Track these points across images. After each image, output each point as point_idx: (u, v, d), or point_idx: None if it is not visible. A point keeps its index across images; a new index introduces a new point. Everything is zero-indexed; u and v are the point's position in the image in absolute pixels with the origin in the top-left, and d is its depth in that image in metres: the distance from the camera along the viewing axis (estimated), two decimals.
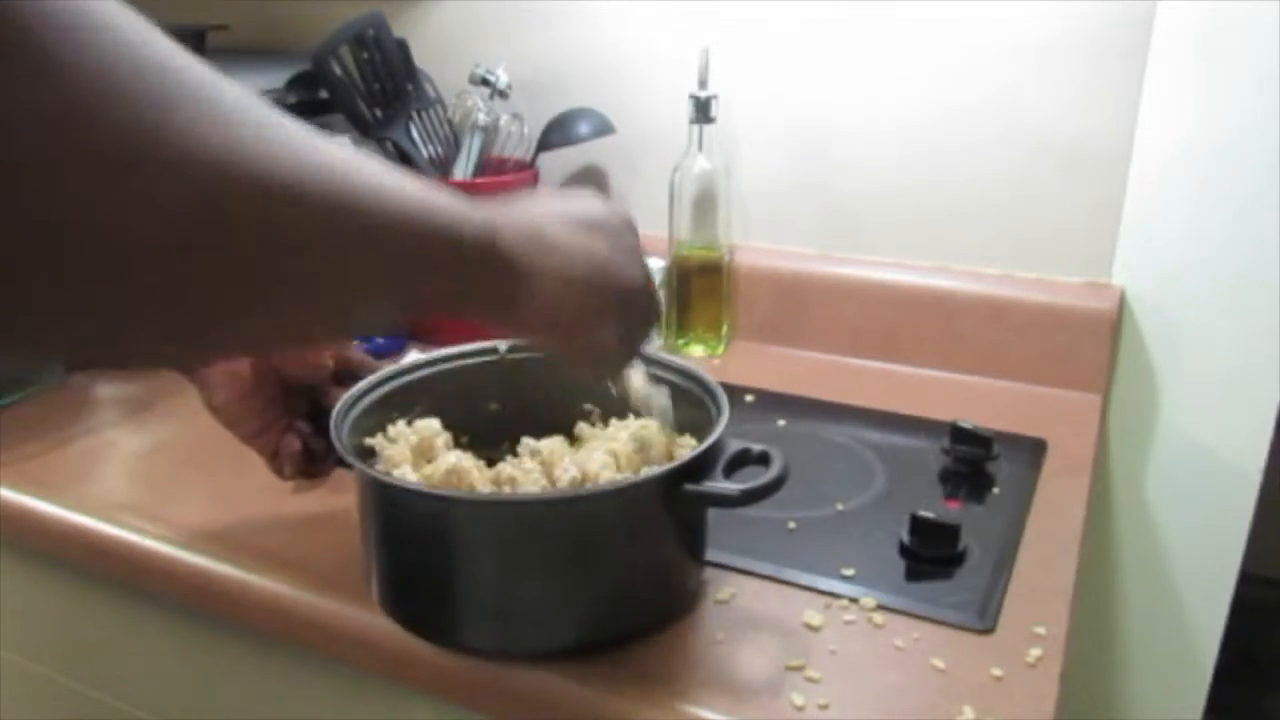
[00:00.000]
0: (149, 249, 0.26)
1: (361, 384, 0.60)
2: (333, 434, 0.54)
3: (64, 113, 0.23)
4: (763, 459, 0.53)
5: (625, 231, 0.48)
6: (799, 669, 0.52)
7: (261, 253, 0.29)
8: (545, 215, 0.45)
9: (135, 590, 0.69)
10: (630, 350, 0.53)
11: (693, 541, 0.58)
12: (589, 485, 0.55)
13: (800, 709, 0.50)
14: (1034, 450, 0.78)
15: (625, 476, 0.56)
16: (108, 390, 0.88)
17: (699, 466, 0.52)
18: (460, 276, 0.39)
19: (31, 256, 0.23)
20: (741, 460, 0.54)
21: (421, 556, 0.54)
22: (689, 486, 0.52)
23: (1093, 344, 0.88)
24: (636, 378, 0.58)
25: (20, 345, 0.26)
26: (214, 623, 0.67)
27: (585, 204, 0.48)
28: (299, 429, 0.62)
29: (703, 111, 0.92)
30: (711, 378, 0.61)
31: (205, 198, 0.26)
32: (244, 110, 0.29)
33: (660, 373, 0.63)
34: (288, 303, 0.32)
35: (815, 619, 0.56)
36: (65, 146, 0.23)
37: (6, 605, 0.80)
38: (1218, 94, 0.81)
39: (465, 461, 0.56)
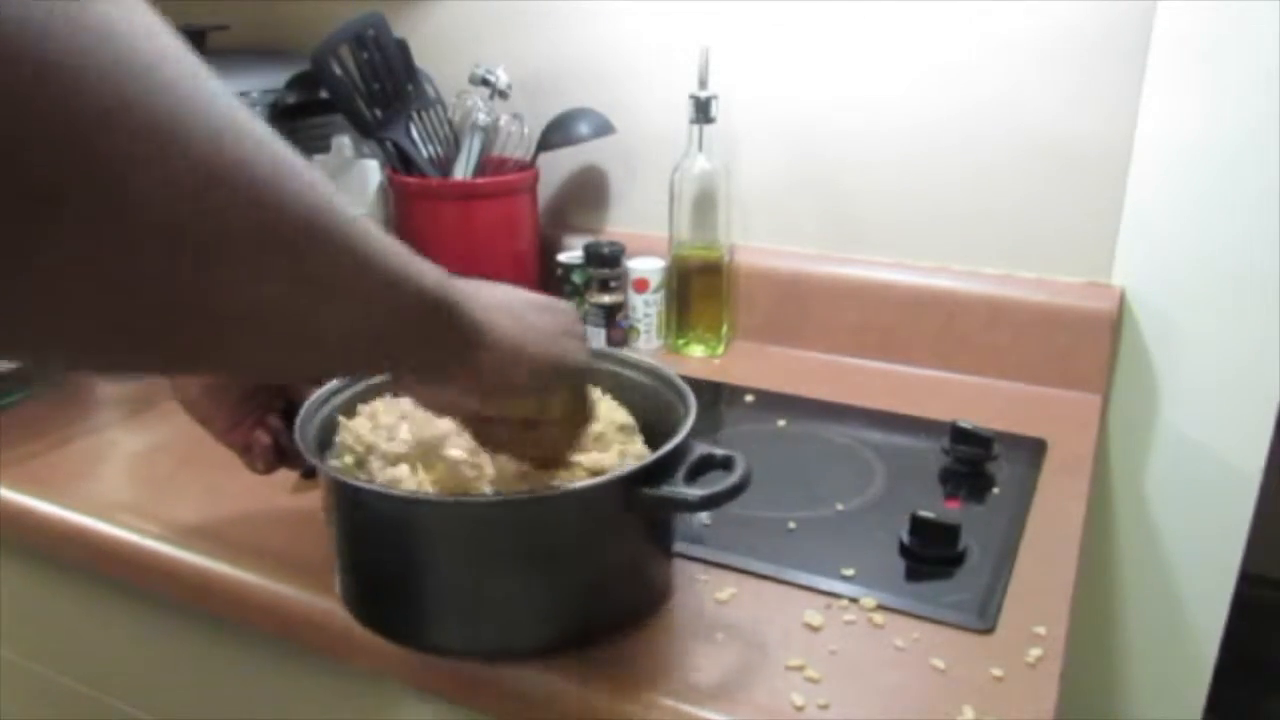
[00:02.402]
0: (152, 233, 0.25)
1: (331, 384, 0.60)
2: (296, 433, 0.54)
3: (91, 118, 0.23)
4: (726, 464, 0.53)
5: (572, 317, 0.49)
6: (799, 669, 0.52)
7: (252, 270, 0.29)
8: (500, 292, 0.46)
9: (134, 590, 0.69)
10: (574, 432, 0.53)
11: (658, 539, 0.57)
12: (548, 487, 0.54)
13: (800, 709, 0.50)
14: (1034, 450, 0.78)
15: (587, 479, 0.55)
16: (108, 390, 0.88)
17: (659, 470, 0.52)
18: (413, 322, 0.38)
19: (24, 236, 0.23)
20: (707, 465, 0.54)
21: (384, 557, 0.53)
22: (647, 490, 0.51)
23: (1093, 344, 0.88)
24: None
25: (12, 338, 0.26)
26: (213, 622, 0.67)
27: (533, 294, 0.49)
28: (270, 424, 0.62)
29: (703, 111, 0.92)
30: (681, 380, 0.60)
31: (205, 200, 0.26)
32: (259, 141, 0.29)
33: (630, 373, 0.63)
34: (256, 331, 0.31)
35: (815, 619, 0.56)
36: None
37: (6, 605, 0.80)
38: (1218, 94, 0.81)
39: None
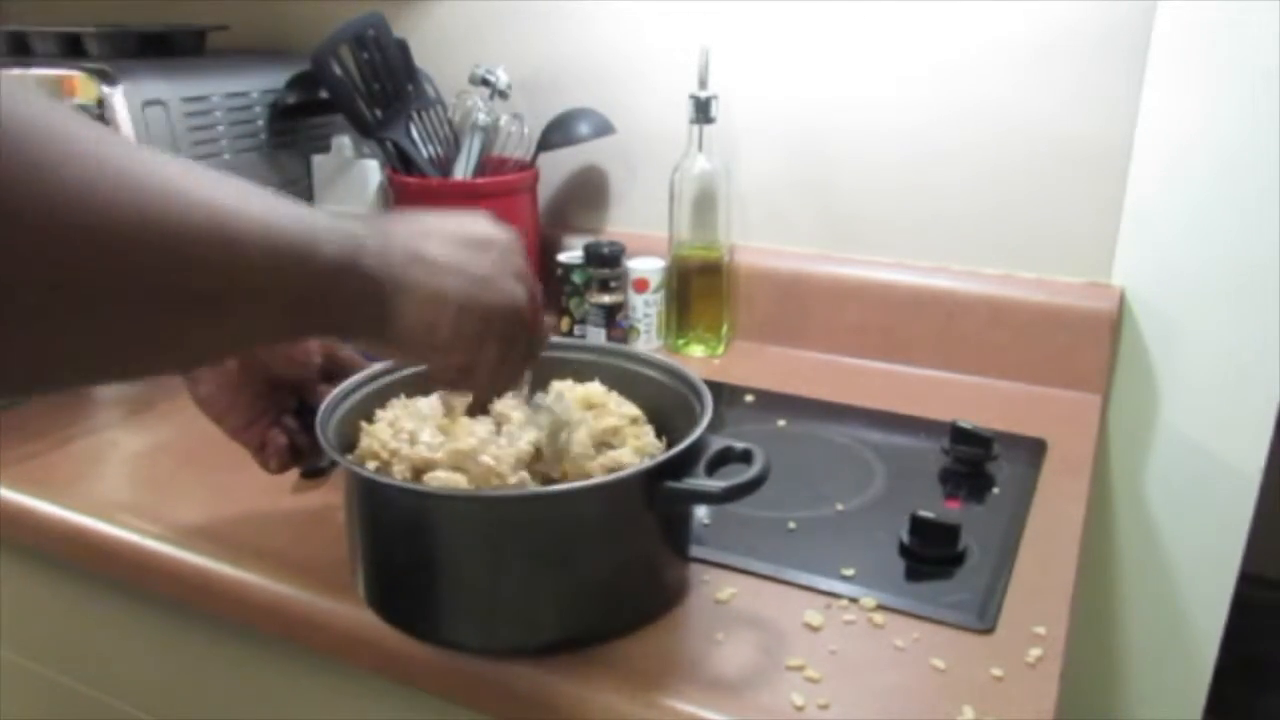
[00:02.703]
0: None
1: (349, 381, 0.60)
2: (318, 430, 0.54)
3: None
4: (745, 457, 0.53)
5: (510, 251, 0.47)
6: (799, 669, 0.52)
7: (90, 280, 0.30)
8: (423, 232, 0.44)
9: (135, 590, 0.69)
10: (511, 374, 0.51)
11: (676, 538, 0.58)
12: (570, 483, 0.55)
13: (800, 709, 0.50)
14: (1034, 450, 0.78)
15: (607, 474, 0.55)
16: (108, 390, 0.88)
17: (681, 463, 0.52)
18: (318, 294, 0.38)
19: None
20: (725, 458, 0.54)
21: (404, 552, 0.54)
22: (670, 484, 0.51)
23: (1093, 344, 0.88)
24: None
25: None
26: (214, 622, 0.67)
27: (469, 222, 0.47)
28: (285, 424, 0.62)
29: (703, 111, 0.92)
30: (696, 375, 0.61)
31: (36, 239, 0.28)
32: (85, 141, 0.29)
33: (641, 368, 0.63)
34: (117, 330, 0.32)
35: (815, 619, 0.56)
36: None
37: (6, 605, 0.80)
38: (1218, 93, 0.81)
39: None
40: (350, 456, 0.56)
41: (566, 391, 0.61)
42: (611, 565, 0.54)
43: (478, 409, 0.58)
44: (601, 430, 0.58)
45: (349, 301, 0.40)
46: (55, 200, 0.28)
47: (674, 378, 0.63)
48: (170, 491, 0.71)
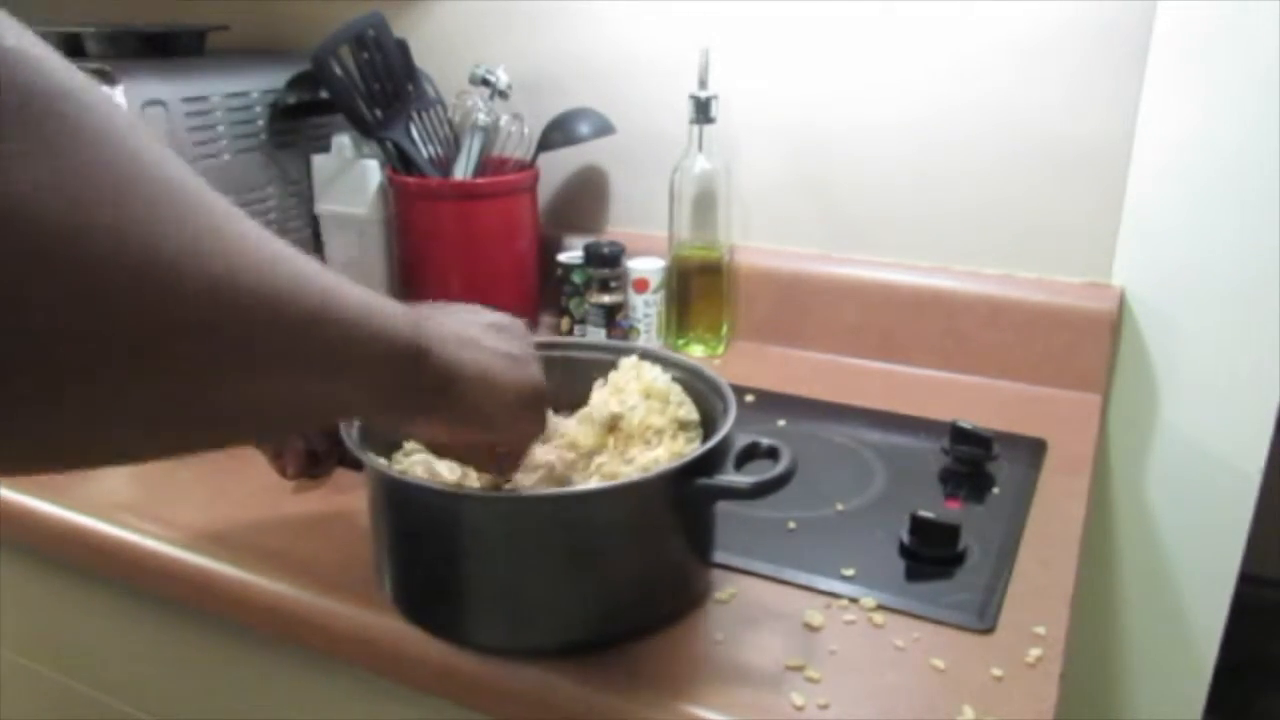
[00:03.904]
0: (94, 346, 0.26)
1: None
2: (343, 432, 0.55)
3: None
4: (771, 453, 0.54)
5: (524, 336, 0.51)
6: (799, 669, 0.52)
7: (194, 346, 0.29)
8: (462, 322, 0.47)
9: (135, 590, 0.69)
10: (526, 445, 0.55)
11: (701, 541, 0.58)
12: (601, 483, 0.56)
13: (800, 709, 0.50)
14: (1034, 450, 0.78)
15: (636, 474, 0.56)
16: None
17: (710, 461, 0.53)
18: (398, 375, 0.40)
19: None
20: (750, 454, 0.55)
21: (433, 553, 0.54)
22: (701, 480, 0.52)
23: (1093, 344, 0.88)
24: (614, 376, 0.61)
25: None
26: (214, 623, 0.67)
27: (483, 313, 0.51)
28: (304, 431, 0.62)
29: (703, 111, 0.92)
30: (717, 374, 0.62)
31: (150, 299, 0.27)
32: (211, 215, 0.29)
33: (667, 370, 0.64)
34: (215, 396, 0.32)
35: (815, 619, 0.56)
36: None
37: (6, 605, 0.80)
38: (1218, 93, 0.81)
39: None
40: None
41: (631, 371, 0.62)
42: (639, 566, 0.54)
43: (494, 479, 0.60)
44: (645, 428, 0.59)
45: (412, 383, 0.42)
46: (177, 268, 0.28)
47: (694, 376, 0.63)
48: (170, 491, 0.71)
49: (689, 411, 0.61)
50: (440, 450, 0.53)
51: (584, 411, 0.61)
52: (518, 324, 0.52)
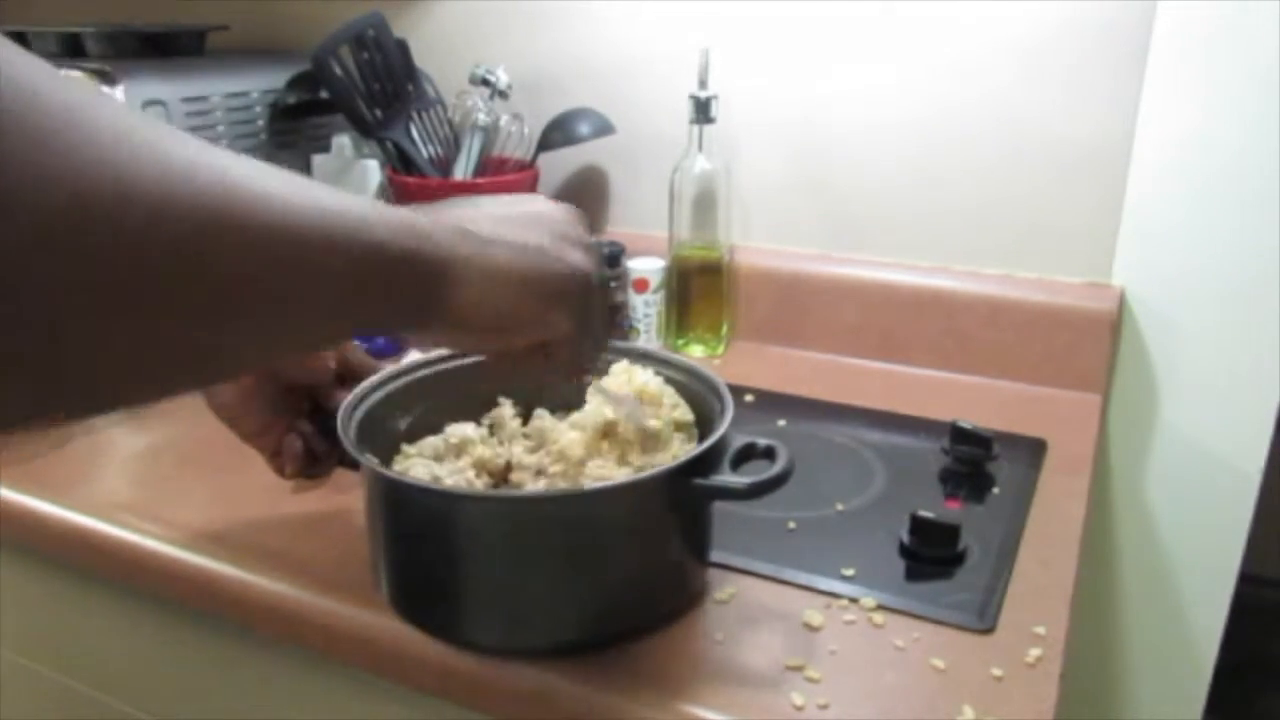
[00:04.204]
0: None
1: (365, 384, 0.60)
2: (340, 432, 0.55)
3: None
4: (768, 453, 0.54)
5: (567, 223, 0.46)
6: (799, 669, 0.52)
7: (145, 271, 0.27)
8: (475, 214, 0.43)
9: (135, 590, 0.69)
10: (592, 344, 0.49)
11: (698, 540, 0.58)
12: (598, 482, 0.55)
13: (800, 709, 0.50)
14: (1034, 450, 0.78)
15: (634, 473, 0.56)
16: None
17: (706, 461, 0.53)
18: (375, 278, 0.36)
19: None
20: (747, 454, 0.55)
21: (429, 553, 0.54)
22: (697, 480, 0.52)
23: (1093, 344, 0.88)
24: (605, 380, 0.58)
25: None
26: (214, 623, 0.67)
27: (523, 201, 0.46)
28: (301, 429, 0.62)
29: (703, 111, 0.92)
30: (714, 374, 0.62)
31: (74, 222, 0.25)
32: (121, 124, 0.27)
33: (663, 370, 0.63)
34: (179, 329, 0.30)
35: (815, 619, 0.56)
36: None
37: (6, 605, 0.80)
38: (1217, 93, 0.81)
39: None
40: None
41: (622, 375, 0.61)
42: (636, 566, 0.54)
43: (564, 394, 0.57)
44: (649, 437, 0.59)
45: (405, 284, 0.38)
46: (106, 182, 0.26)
47: (691, 376, 0.63)
48: (170, 491, 0.71)
49: (684, 413, 0.61)
50: (495, 366, 0.47)
51: (576, 417, 0.61)
52: (554, 211, 0.46)
